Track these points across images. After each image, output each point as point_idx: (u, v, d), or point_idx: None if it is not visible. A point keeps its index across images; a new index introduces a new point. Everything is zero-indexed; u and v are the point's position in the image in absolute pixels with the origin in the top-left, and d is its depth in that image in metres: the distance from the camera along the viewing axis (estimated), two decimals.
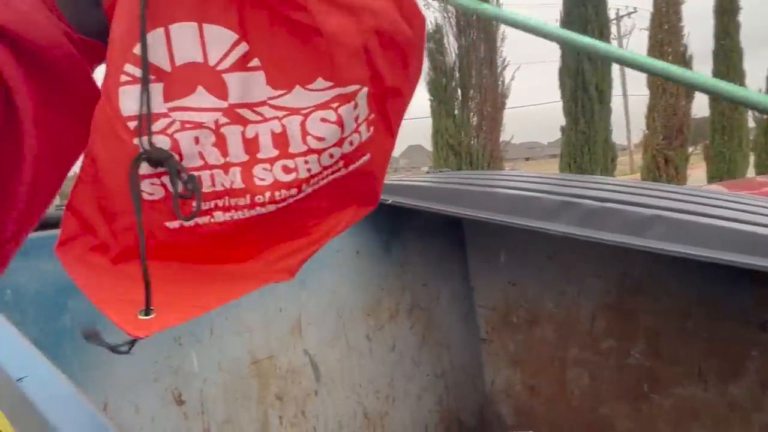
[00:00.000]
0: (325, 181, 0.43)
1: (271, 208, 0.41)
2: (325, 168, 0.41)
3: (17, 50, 0.31)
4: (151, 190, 0.39)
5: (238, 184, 0.39)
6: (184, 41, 0.35)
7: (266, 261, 0.45)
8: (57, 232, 0.96)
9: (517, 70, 7.86)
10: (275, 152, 0.39)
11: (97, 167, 0.37)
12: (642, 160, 9.32)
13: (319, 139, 0.39)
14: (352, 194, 0.47)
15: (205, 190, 0.39)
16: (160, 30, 0.35)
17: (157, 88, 0.36)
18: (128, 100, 0.36)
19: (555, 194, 1.26)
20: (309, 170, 0.40)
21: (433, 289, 2.04)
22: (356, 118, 0.40)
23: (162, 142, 0.37)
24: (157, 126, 0.36)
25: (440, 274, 2.10)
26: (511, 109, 8.15)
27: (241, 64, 0.37)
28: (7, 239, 0.36)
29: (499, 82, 7.32)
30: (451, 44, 7.45)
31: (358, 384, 1.59)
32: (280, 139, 0.39)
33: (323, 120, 0.39)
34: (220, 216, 0.40)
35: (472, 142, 7.14)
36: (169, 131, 0.37)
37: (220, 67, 0.36)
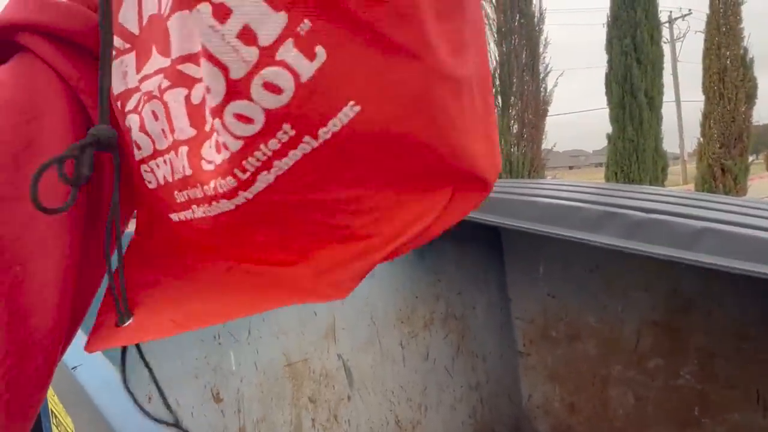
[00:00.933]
0: (288, 161, 0.27)
1: (228, 205, 0.29)
2: (252, 140, 0.26)
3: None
4: (147, 177, 0.33)
5: (188, 170, 0.30)
6: None
7: (317, 268, 0.32)
8: None
9: (560, 76, 7.67)
10: (216, 121, 0.27)
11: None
12: (696, 169, 8.81)
13: (207, 90, 0.26)
14: (402, 178, 0.30)
15: (175, 179, 0.31)
16: None
17: (129, 58, 0.31)
18: (114, 78, 0.31)
19: (597, 204, 1.22)
20: (227, 146, 0.27)
21: (468, 298, 2.01)
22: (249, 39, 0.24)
23: (134, 121, 0.31)
24: (130, 104, 0.31)
25: (476, 284, 2.06)
26: (554, 117, 7.95)
27: (181, 1, 0.27)
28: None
29: (542, 89, 7.16)
30: (492, 50, 7.37)
31: (391, 391, 1.59)
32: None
33: (191, 60, 0.28)
34: (197, 211, 0.31)
35: (512, 150, 7.01)
36: (139, 108, 0.31)
37: (164, 12, 0.28)
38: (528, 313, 2.18)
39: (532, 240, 2.12)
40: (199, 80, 0.28)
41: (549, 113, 7.37)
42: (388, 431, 1.57)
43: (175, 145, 0.30)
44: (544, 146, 7.35)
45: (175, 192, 0.32)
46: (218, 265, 0.33)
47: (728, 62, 8.11)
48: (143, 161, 0.32)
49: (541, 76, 7.29)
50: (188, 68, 0.28)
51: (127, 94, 0.31)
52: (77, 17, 0.31)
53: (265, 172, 0.27)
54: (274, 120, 0.26)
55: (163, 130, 0.30)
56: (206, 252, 0.34)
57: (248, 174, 0.27)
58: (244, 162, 0.27)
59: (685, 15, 18.54)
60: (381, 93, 0.25)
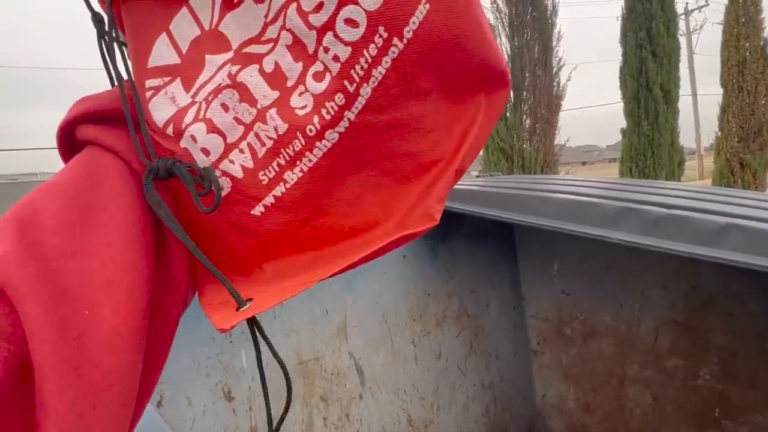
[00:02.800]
0: (381, 69, 0.31)
1: (334, 136, 0.32)
2: (357, 45, 0.31)
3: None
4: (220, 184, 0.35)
5: (282, 126, 0.32)
6: (182, 28, 0.34)
7: (398, 220, 0.34)
8: None
9: (573, 70, 7.55)
10: (299, 65, 0.32)
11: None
12: (713, 164, 8.62)
13: (317, 8, 0.31)
14: (455, 81, 0.34)
15: (260, 155, 0.33)
16: (163, 36, 0.35)
17: (174, 86, 0.35)
18: (157, 111, 0.35)
19: (616, 200, 1.18)
20: (337, 58, 0.31)
21: (481, 296, 1.98)
22: None
23: (198, 129, 0.34)
24: (188, 118, 0.34)
25: (489, 282, 2.04)
26: (567, 111, 7.85)
27: (228, 4, 0.33)
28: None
29: (554, 83, 7.05)
30: (504, 45, 7.28)
31: (403, 390, 1.57)
32: (296, 48, 0.32)
33: None
34: (291, 175, 0.33)
35: (524, 145, 6.92)
36: (201, 116, 0.34)
37: (213, 25, 0.34)
38: (542, 311, 2.15)
39: (546, 237, 2.08)
40: (266, 54, 0.33)
41: (562, 108, 7.27)
42: (400, 430, 1.55)
43: (260, 115, 0.33)
44: (556, 141, 7.25)
45: (261, 173, 0.34)
46: (305, 256, 0.36)
47: (747, 54, 7.91)
48: (213, 166, 0.35)
49: (554, 70, 7.18)
50: (252, 48, 0.33)
51: (180, 114, 0.35)
52: (109, 98, 0.36)
53: (365, 85, 0.31)
54: (372, 22, 0.30)
55: (235, 118, 0.33)
56: (291, 245, 0.36)
57: (354, 85, 0.31)
58: (351, 71, 0.31)
59: (702, 6, 18.13)
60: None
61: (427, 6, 0.31)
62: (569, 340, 2.09)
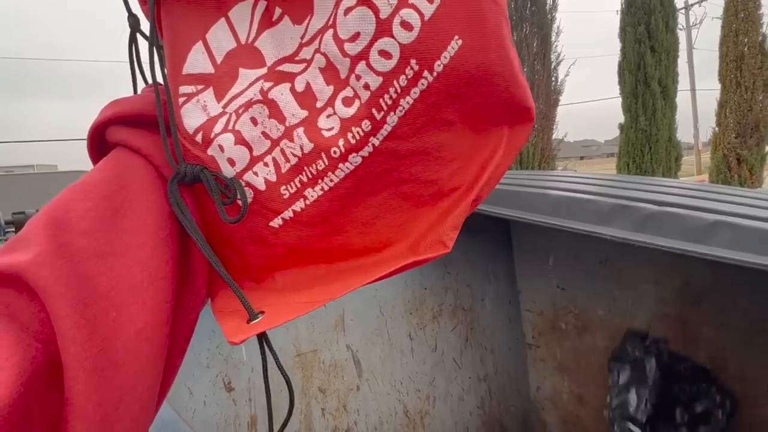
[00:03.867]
0: (409, 99, 0.32)
1: (357, 159, 0.33)
2: (388, 76, 0.32)
3: None
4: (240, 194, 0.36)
5: (307, 146, 0.33)
6: (219, 39, 0.35)
7: (412, 242, 0.35)
8: None
9: (572, 65, 7.54)
10: (330, 89, 0.33)
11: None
12: (710, 160, 8.66)
13: (353, 38, 0.31)
14: (480, 113, 0.34)
15: (283, 171, 0.34)
16: (200, 44, 0.35)
17: (207, 94, 0.35)
18: (188, 117, 0.36)
19: (609, 197, 1.21)
20: (368, 86, 0.32)
21: (477, 290, 2.01)
22: None
23: (226, 140, 0.35)
24: (218, 128, 0.35)
25: (485, 276, 2.06)
26: (565, 106, 7.84)
27: (266, 22, 0.34)
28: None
29: (553, 78, 7.05)
30: None
31: (399, 381, 1.60)
32: (329, 71, 0.33)
33: (347, 10, 0.32)
34: (311, 193, 0.34)
35: None
36: (230, 127, 0.35)
37: (250, 40, 0.35)
38: (537, 305, 2.18)
39: (542, 232, 2.11)
40: (298, 73, 0.34)
41: (560, 102, 7.28)
42: (397, 421, 1.58)
43: (287, 132, 0.34)
44: (555, 136, 7.26)
45: (282, 187, 0.35)
46: (317, 268, 0.37)
47: (746, 49, 7.91)
48: (237, 176, 0.35)
49: (553, 65, 7.18)
50: (286, 67, 0.34)
51: (210, 123, 0.35)
52: (141, 101, 0.36)
53: (392, 113, 0.33)
54: (404, 55, 0.31)
55: (263, 133, 0.34)
56: (304, 257, 0.37)
57: (382, 114, 0.32)
58: (380, 100, 0.32)
59: (702, 0, 18.07)
60: (474, 27, 0.32)
61: (460, 42, 0.31)
62: (564, 334, 2.12)
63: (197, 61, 0.35)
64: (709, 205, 1.12)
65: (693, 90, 19.26)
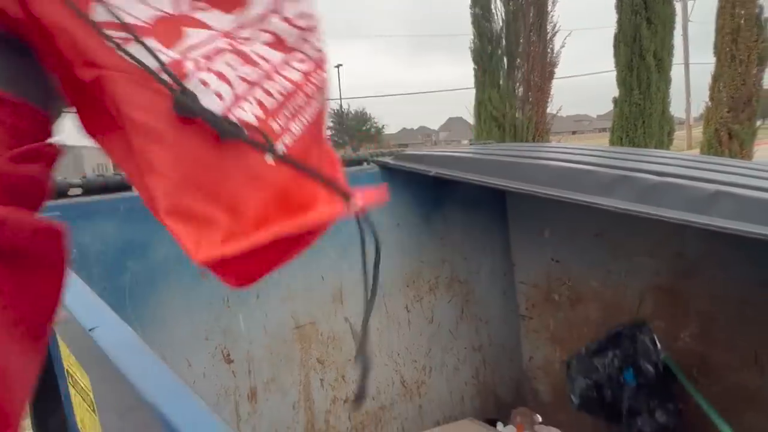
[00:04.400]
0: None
1: (322, 99, 0.41)
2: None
3: None
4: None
5: (288, 86, 0.38)
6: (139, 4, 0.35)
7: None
8: (119, 195, 1.01)
9: (568, 36, 7.42)
10: (282, 55, 0.39)
11: (159, 147, 0.32)
12: (703, 134, 8.68)
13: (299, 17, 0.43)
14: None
15: (269, 107, 0.36)
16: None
17: (151, 42, 0.33)
18: (139, 53, 0.32)
19: (610, 167, 1.20)
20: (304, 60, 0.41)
21: (473, 262, 2.02)
22: None
23: (209, 78, 0.34)
24: (190, 67, 0.34)
25: (481, 248, 2.07)
26: (559, 80, 7.75)
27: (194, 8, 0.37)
28: None
29: (548, 50, 6.94)
30: (498, 9, 7.10)
31: (396, 353, 1.62)
32: (277, 45, 0.40)
33: None
34: (295, 127, 0.37)
35: (516, 114, 6.87)
36: (205, 68, 0.34)
37: (184, 12, 0.37)
38: (531, 278, 2.20)
39: (537, 204, 2.11)
40: (253, 41, 0.39)
41: (555, 75, 7.19)
42: (394, 390, 1.61)
43: (267, 75, 0.37)
44: (549, 110, 7.21)
45: (271, 121, 0.36)
46: None
47: (742, 22, 7.82)
48: (226, 112, 0.35)
49: (549, 36, 7.05)
50: (239, 34, 0.38)
51: (177, 63, 0.34)
52: None
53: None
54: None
55: (241, 77, 0.36)
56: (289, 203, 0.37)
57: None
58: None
59: None
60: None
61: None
62: (557, 305, 2.15)
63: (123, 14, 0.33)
64: (709, 175, 1.12)
65: (687, 63, 19.14)
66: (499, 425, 1.91)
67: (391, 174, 1.58)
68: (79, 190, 0.94)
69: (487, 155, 1.47)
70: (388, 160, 1.57)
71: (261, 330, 1.21)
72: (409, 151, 1.63)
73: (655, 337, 1.72)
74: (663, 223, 1.06)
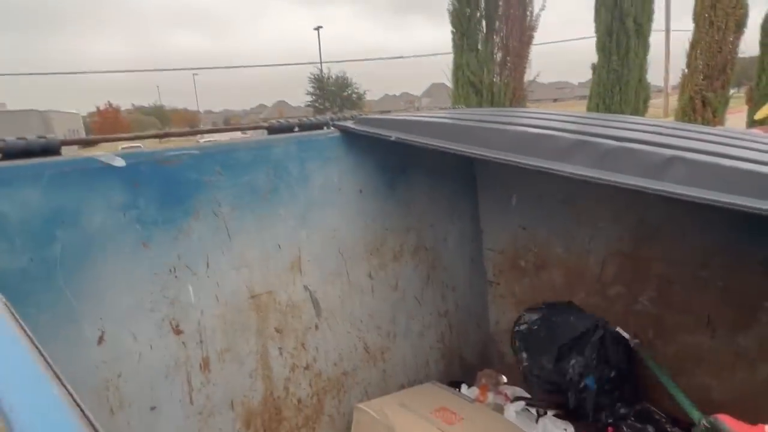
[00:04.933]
0: None
1: None
2: None
3: None
4: None
5: None
6: None
7: None
8: (40, 161, 0.93)
9: None
10: None
11: None
12: (678, 102, 8.76)
13: None
14: None
15: None
16: None
17: None
18: None
19: (570, 132, 1.17)
20: None
21: (440, 230, 2.00)
22: None
23: None
24: None
25: (448, 216, 2.05)
26: (540, 46, 7.61)
27: None
28: None
29: (528, 13, 6.78)
30: None
31: (359, 320, 1.61)
32: None
33: None
34: None
35: (494, 79, 6.77)
36: None
37: None
38: (499, 244, 2.21)
39: (505, 171, 2.08)
40: None
41: (534, 41, 7.06)
42: (357, 356, 1.61)
43: None
44: (527, 77, 7.12)
45: None
46: None
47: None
48: None
49: None
50: None
51: None
52: None
53: None
54: None
55: None
56: None
57: None
58: None
59: None
60: None
61: None
62: (523, 271, 2.18)
63: None
64: (668, 140, 1.10)
65: (668, 30, 19.07)
66: (464, 387, 1.96)
67: (354, 138, 1.53)
68: None
69: (450, 120, 1.42)
70: (348, 124, 1.51)
71: (213, 300, 1.18)
72: (370, 114, 1.57)
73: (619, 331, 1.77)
74: (625, 189, 1.05)
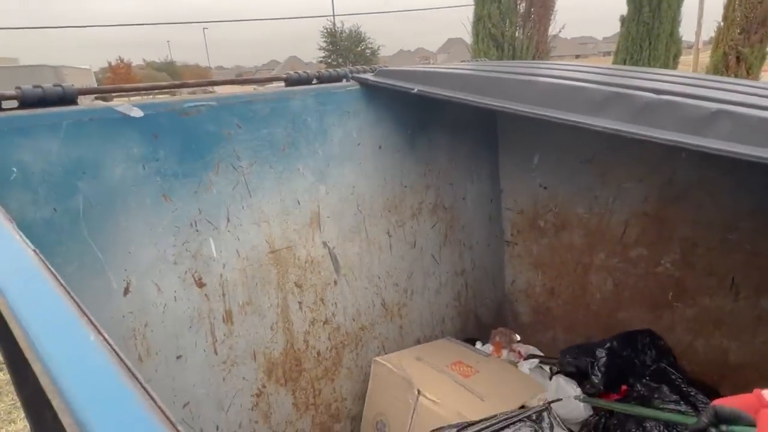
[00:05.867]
0: None
1: None
2: None
3: None
4: None
5: None
6: None
7: None
8: (58, 110, 0.91)
9: None
10: None
11: None
12: (710, 59, 8.28)
13: None
14: None
15: None
16: None
17: None
18: None
19: (604, 84, 1.10)
20: None
21: (459, 189, 1.97)
22: None
23: None
24: None
25: (468, 174, 2.01)
26: None
27: None
28: None
29: None
30: None
31: (377, 276, 1.62)
32: None
33: None
34: None
35: (516, 32, 6.45)
36: None
37: None
38: (518, 204, 2.17)
39: (529, 129, 2.02)
40: None
41: None
42: (375, 312, 1.63)
43: None
44: (551, 30, 6.76)
45: None
46: None
47: None
48: None
49: None
50: None
51: None
52: None
53: None
54: None
55: None
56: None
57: None
58: None
59: None
60: None
61: None
62: (542, 232, 2.15)
63: None
64: (712, 93, 1.03)
65: None
66: (478, 344, 1.99)
67: (373, 92, 1.47)
68: (14, 103, 0.84)
69: (474, 72, 1.35)
70: (368, 76, 1.45)
71: (233, 254, 1.18)
72: (390, 66, 1.50)
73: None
74: (656, 147, 0.99)
